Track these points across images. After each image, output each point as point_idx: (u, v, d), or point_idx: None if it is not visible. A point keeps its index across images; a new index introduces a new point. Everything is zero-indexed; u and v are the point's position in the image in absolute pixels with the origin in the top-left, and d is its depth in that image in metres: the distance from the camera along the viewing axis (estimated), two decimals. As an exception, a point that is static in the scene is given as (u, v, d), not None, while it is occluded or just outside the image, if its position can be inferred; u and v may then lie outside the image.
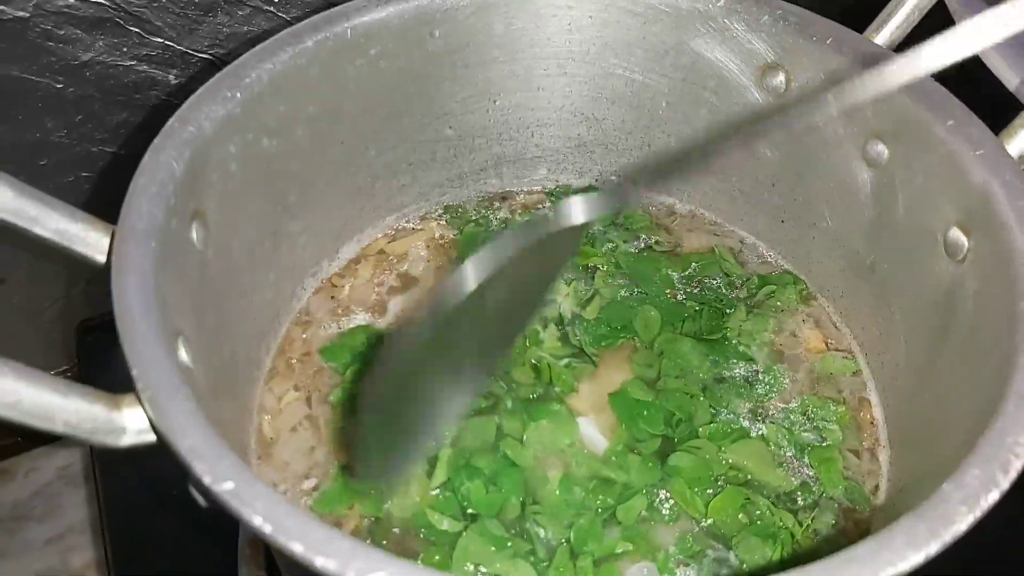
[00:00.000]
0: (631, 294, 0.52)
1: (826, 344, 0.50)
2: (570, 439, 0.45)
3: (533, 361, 0.48)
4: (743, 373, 0.48)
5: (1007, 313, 0.35)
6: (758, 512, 0.43)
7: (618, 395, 0.47)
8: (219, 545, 0.55)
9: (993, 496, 0.28)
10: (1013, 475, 0.29)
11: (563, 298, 0.52)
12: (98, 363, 0.67)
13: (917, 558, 0.26)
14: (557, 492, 0.43)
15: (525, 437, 0.45)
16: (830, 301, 0.52)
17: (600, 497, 0.43)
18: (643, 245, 0.55)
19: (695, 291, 0.52)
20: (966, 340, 0.39)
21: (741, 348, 0.49)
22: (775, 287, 0.52)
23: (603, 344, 0.50)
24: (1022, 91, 0.58)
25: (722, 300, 0.52)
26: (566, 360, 0.49)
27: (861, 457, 0.46)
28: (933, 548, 0.27)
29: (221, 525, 0.55)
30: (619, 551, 0.41)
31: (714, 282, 0.53)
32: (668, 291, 0.52)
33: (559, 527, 0.42)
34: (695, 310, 0.51)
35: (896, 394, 0.46)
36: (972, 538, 0.28)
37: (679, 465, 0.44)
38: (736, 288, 0.52)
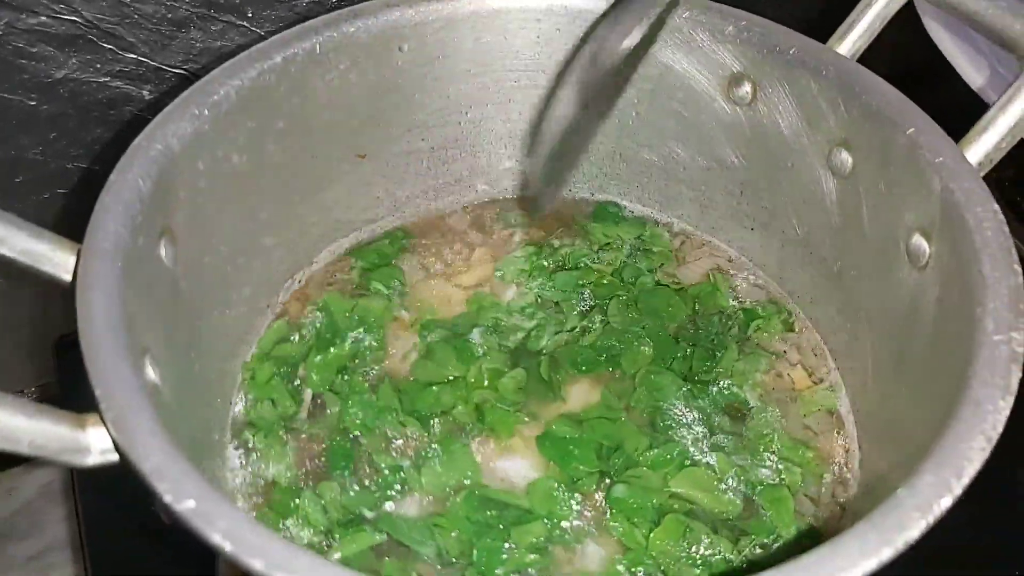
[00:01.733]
0: (638, 328, 0.51)
1: (810, 378, 0.49)
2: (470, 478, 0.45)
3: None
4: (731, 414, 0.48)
5: (966, 319, 0.36)
6: (698, 540, 0.42)
7: (544, 437, 0.46)
8: (199, 563, 0.55)
9: (946, 502, 0.28)
10: (966, 481, 0.29)
11: (552, 330, 0.51)
12: (76, 378, 0.66)
13: (869, 564, 0.26)
14: (461, 509, 0.43)
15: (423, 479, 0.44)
16: (801, 306, 0.52)
17: (492, 513, 0.43)
18: (660, 274, 0.54)
19: (692, 331, 0.51)
20: (929, 346, 0.40)
21: (734, 390, 0.48)
22: (761, 319, 0.51)
23: (582, 370, 0.49)
24: (986, 91, 0.59)
25: (714, 340, 0.51)
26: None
27: (819, 504, 0.44)
28: (885, 554, 0.27)
29: (201, 543, 0.55)
30: (529, 559, 0.41)
31: (713, 319, 0.52)
32: (670, 326, 0.51)
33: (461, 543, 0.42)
34: (687, 351, 0.50)
35: (866, 400, 0.47)
36: (929, 542, 0.29)
37: (619, 496, 0.43)
38: (729, 325, 0.51)
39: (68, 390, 0.67)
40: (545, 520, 0.43)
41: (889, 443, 0.43)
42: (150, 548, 0.58)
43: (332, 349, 0.49)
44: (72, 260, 0.36)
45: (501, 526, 0.42)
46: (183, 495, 0.28)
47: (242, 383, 0.48)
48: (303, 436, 0.46)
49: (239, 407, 0.48)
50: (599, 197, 0.58)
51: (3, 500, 0.71)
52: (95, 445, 0.31)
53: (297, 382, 0.48)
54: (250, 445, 0.46)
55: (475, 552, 0.41)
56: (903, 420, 0.42)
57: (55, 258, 0.36)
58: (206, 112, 0.42)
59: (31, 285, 0.66)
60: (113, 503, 0.60)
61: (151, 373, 0.35)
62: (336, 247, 0.55)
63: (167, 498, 0.28)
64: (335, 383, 0.48)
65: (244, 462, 0.45)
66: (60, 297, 0.68)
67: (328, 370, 0.48)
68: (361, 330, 0.51)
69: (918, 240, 0.41)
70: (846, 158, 0.45)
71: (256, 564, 0.26)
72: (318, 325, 0.51)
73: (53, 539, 0.69)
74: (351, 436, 0.46)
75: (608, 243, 0.56)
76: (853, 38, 0.47)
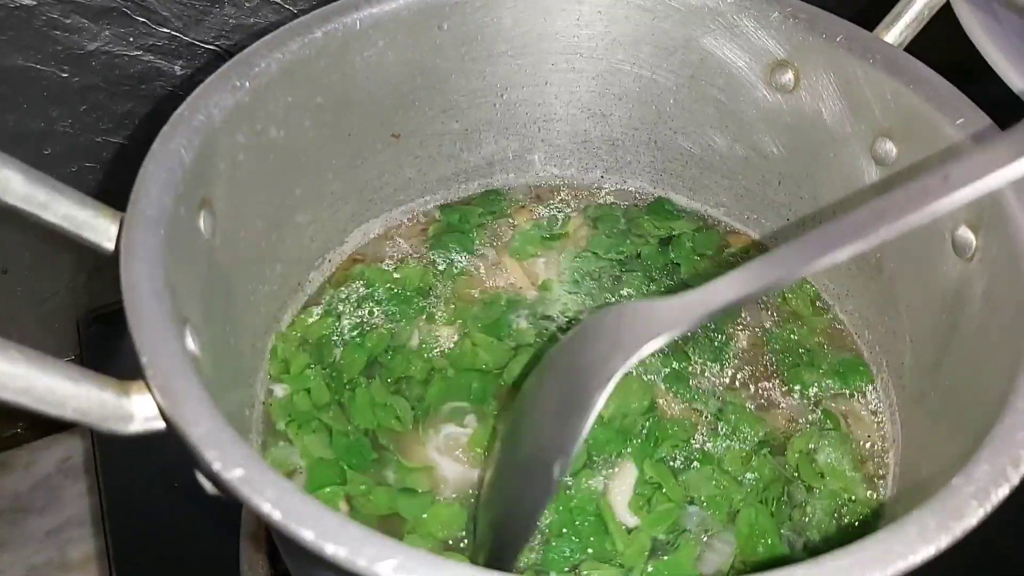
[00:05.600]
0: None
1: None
2: None
3: None
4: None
5: (1015, 311, 0.36)
6: None
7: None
8: (221, 536, 0.55)
9: (1003, 490, 0.28)
10: (1023, 470, 0.29)
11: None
12: (100, 354, 0.67)
13: (928, 551, 0.26)
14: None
15: None
16: (836, 299, 0.52)
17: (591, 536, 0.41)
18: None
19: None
20: (974, 338, 0.39)
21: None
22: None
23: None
24: (1028, 93, 0.58)
25: None
26: None
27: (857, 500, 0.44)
28: (944, 541, 0.27)
29: (223, 515, 0.55)
30: None
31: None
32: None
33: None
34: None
35: (903, 392, 0.46)
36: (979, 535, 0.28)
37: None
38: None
39: (92, 364, 0.67)
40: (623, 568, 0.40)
41: (929, 435, 0.42)
42: (171, 522, 0.58)
43: (367, 335, 0.49)
44: (114, 228, 0.36)
45: (589, 550, 0.41)
46: (232, 463, 0.28)
47: (273, 365, 0.48)
48: (336, 423, 0.46)
49: (271, 388, 0.47)
50: (630, 187, 0.58)
51: (21, 475, 0.71)
52: (139, 412, 0.31)
53: (332, 369, 0.48)
54: (280, 429, 0.45)
55: (545, 551, 0.40)
56: (944, 412, 0.41)
57: (97, 225, 0.36)
58: (247, 84, 0.42)
59: (58, 261, 0.66)
60: (134, 477, 0.60)
61: (191, 344, 0.35)
62: (367, 227, 0.54)
63: (216, 466, 0.27)
64: (366, 371, 0.48)
65: (273, 443, 0.45)
66: (85, 273, 0.69)
67: (361, 359, 0.48)
68: (397, 304, 0.50)
69: (964, 232, 0.40)
70: (890, 148, 0.45)
71: (306, 534, 0.26)
72: (357, 299, 0.51)
73: (72, 514, 0.69)
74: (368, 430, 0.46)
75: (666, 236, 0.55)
76: (900, 27, 0.46)
